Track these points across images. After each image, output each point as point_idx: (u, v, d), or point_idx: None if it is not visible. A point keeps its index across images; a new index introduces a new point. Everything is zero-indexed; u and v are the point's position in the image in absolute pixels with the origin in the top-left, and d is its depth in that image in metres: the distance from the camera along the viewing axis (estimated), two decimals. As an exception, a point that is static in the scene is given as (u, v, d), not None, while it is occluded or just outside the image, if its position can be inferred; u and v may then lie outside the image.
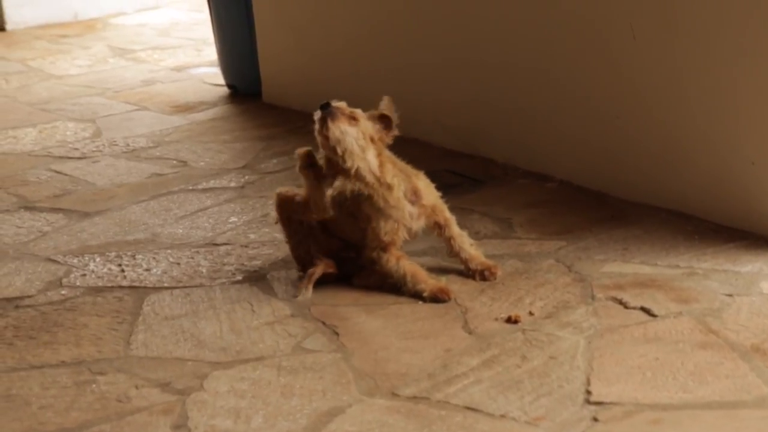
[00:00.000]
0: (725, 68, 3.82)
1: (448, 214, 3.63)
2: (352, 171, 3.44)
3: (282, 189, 3.73)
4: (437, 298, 3.45)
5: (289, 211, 3.66)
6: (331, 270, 3.64)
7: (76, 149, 5.57)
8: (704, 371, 2.97)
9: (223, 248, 4.11)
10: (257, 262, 3.94)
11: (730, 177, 3.88)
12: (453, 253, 3.63)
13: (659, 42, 4.03)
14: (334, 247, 3.65)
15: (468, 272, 3.62)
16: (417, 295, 3.49)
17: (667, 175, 4.11)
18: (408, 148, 5.20)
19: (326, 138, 3.43)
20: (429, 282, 3.50)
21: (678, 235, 3.88)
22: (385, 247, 3.51)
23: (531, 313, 3.38)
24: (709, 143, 3.94)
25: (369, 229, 3.51)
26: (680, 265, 3.65)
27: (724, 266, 3.62)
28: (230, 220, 4.41)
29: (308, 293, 3.56)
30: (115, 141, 5.67)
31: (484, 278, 3.58)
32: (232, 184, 4.88)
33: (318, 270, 3.63)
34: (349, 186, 3.45)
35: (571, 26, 4.38)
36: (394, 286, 3.56)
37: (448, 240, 3.62)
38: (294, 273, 3.78)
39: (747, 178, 3.82)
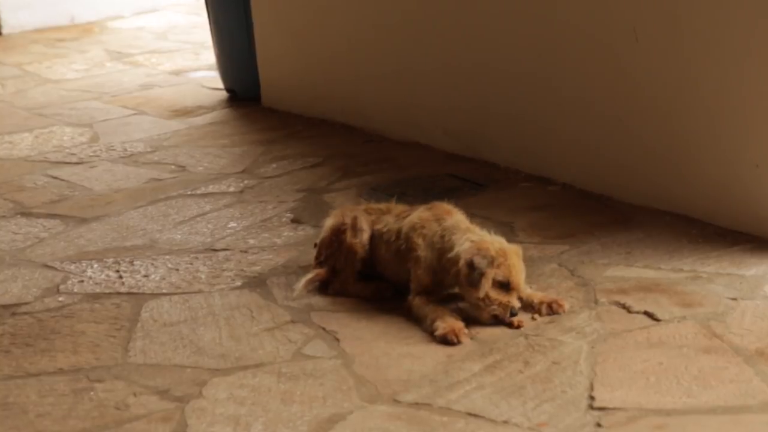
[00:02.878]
0: (729, 70, 3.80)
1: None
2: None
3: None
4: (446, 339, 3.26)
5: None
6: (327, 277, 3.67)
7: (73, 154, 5.54)
8: (708, 376, 2.95)
9: (222, 254, 4.08)
10: (257, 268, 3.92)
11: (734, 180, 3.86)
12: None
13: (662, 44, 4.01)
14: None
15: (533, 308, 3.41)
16: (431, 333, 3.31)
17: (671, 178, 4.09)
18: (409, 151, 5.22)
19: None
20: (447, 321, 3.31)
21: (682, 239, 3.87)
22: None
23: (533, 318, 3.36)
24: (713, 146, 3.91)
25: (415, 274, 3.45)
26: (684, 269, 3.63)
27: (729, 270, 3.60)
28: (229, 226, 4.39)
29: (302, 293, 3.59)
30: (112, 146, 5.65)
31: (552, 311, 3.39)
32: (231, 189, 4.86)
33: (317, 275, 3.64)
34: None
35: (573, 29, 4.36)
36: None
37: None
38: (294, 278, 3.75)
39: (751, 181, 3.80)
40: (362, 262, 3.60)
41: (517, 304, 3.30)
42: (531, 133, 4.65)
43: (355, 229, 3.60)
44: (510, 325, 3.30)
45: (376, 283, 3.60)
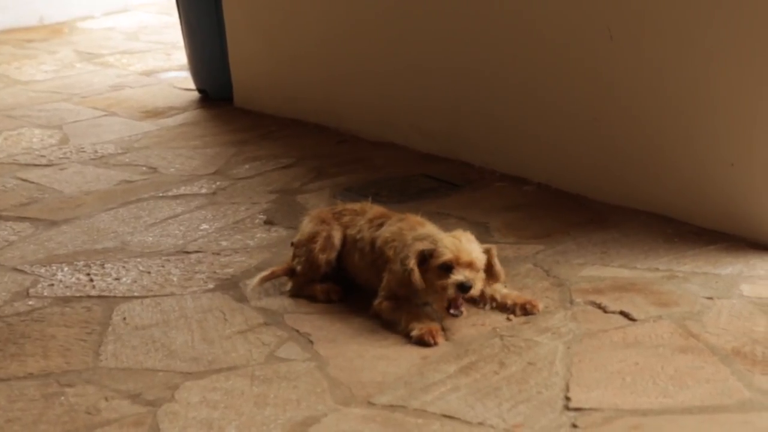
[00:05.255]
0: (704, 69, 3.80)
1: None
2: None
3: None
4: (423, 340, 3.25)
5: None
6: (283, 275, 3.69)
7: (43, 156, 5.49)
8: (685, 375, 2.94)
9: (194, 256, 4.05)
10: (229, 270, 3.89)
11: (709, 179, 3.86)
12: (488, 299, 3.44)
13: (637, 43, 4.00)
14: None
15: (507, 309, 3.41)
16: (406, 335, 3.29)
17: (647, 177, 4.09)
18: (383, 151, 5.20)
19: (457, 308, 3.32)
20: (424, 322, 3.31)
21: (658, 238, 3.87)
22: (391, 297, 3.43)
23: (508, 319, 3.35)
24: (688, 145, 3.91)
25: (387, 283, 3.42)
26: (660, 269, 3.63)
27: (704, 269, 3.60)
28: (201, 227, 4.35)
29: (255, 285, 3.61)
30: (82, 147, 5.60)
31: (526, 312, 3.38)
32: (203, 191, 4.82)
33: (277, 271, 3.66)
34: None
35: (547, 29, 4.35)
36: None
37: (480, 291, 3.41)
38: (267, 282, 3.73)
39: (726, 179, 3.80)
40: (323, 275, 3.60)
41: (461, 277, 3.21)
42: (506, 133, 4.64)
43: (327, 245, 3.59)
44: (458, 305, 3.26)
45: (328, 285, 3.60)
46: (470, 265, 3.24)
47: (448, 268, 3.24)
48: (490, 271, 3.36)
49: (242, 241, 4.16)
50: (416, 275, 3.26)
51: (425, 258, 3.28)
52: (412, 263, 3.26)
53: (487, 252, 3.35)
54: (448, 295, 3.25)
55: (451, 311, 3.27)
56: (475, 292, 3.26)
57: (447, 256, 3.24)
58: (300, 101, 5.75)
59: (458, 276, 3.22)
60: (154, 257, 4.06)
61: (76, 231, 4.40)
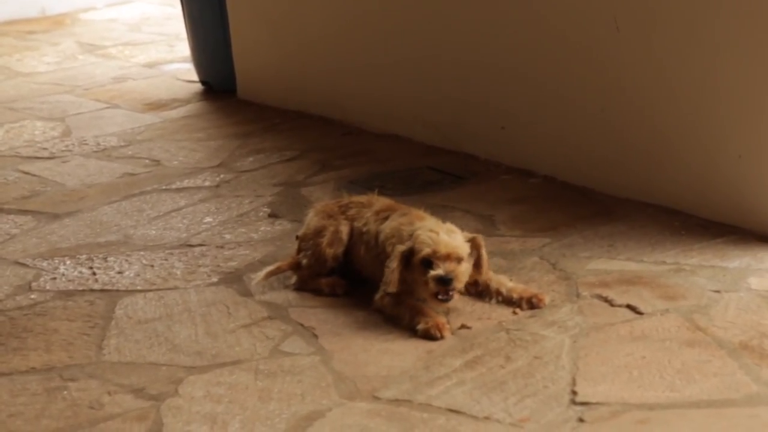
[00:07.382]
0: (711, 60, 3.77)
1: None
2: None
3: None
4: (429, 334, 3.23)
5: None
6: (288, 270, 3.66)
7: (45, 149, 5.48)
8: (692, 369, 2.92)
9: (197, 249, 4.03)
10: (233, 263, 3.87)
11: (717, 171, 3.84)
12: (494, 293, 3.42)
13: (644, 34, 3.98)
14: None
15: (513, 302, 3.39)
16: (411, 330, 3.28)
17: (654, 169, 4.07)
18: (388, 144, 5.19)
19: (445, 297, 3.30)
20: (430, 316, 3.29)
21: (664, 231, 3.85)
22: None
23: (514, 313, 3.33)
24: (695, 137, 3.89)
25: (386, 276, 3.38)
26: (667, 262, 3.61)
27: (712, 262, 3.58)
28: (205, 221, 4.34)
29: (260, 279, 3.59)
30: (85, 140, 5.59)
31: (532, 306, 3.37)
32: (207, 184, 4.81)
33: (282, 266, 3.64)
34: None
35: (553, 19, 4.33)
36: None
37: (486, 285, 3.44)
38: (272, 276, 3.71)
39: (734, 172, 3.78)
40: (330, 269, 3.59)
41: (440, 271, 3.20)
42: (511, 125, 4.62)
43: (334, 239, 3.57)
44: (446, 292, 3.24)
45: (334, 279, 3.58)
46: (449, 257, 3.23)
47: (428, 263, 3.23)
48: (476, 262, 3.35)
49: (246, 235, 4.14)
50: (394, 278, 3.27)
51: (409, 258, 3.28)
52: (395, 265, 3.27)
53: (472, 241, 3.33)
54: (431, 289, 3.25)
55: (440, 296, 3.26)
56: (458, 284, 3.25)
57: (425, 251, 3.24)
58: (304, 93, 5.73)
59: (437, 270, 3.22)
60: (157, 251, 4.04)
61: (78, 224, 4.39)
